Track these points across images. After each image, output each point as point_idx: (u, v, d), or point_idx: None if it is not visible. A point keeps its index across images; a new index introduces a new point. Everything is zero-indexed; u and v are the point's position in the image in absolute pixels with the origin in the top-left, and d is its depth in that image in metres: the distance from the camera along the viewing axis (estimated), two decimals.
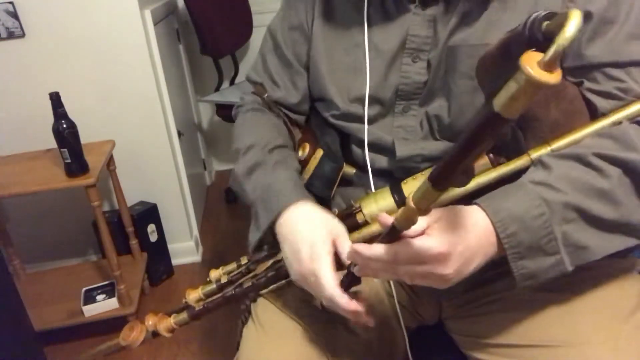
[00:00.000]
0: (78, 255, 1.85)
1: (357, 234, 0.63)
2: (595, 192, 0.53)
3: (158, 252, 1.80)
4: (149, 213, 1.75)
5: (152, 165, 1.75)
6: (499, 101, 0.35)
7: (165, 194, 1.80)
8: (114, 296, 1.51)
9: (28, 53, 1.52)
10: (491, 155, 0.61)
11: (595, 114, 0.59)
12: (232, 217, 2.25)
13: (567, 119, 0.59)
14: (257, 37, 2.38)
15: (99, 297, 1.51)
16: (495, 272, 0.67)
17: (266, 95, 0.81)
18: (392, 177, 0.70)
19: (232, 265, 0.75)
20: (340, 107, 0.73)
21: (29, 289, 1.61)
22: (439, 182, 0.43)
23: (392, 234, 0.51)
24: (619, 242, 0.54)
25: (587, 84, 0.60)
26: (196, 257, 1.94)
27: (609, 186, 0.53)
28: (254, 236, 0.68)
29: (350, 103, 0.73)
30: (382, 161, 0.72)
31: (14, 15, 1.46)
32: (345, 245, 0.59)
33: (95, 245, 1.82)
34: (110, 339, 0.81)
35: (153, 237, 1.77)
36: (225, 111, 2.10)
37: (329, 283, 0.57)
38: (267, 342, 0.68)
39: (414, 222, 0.48)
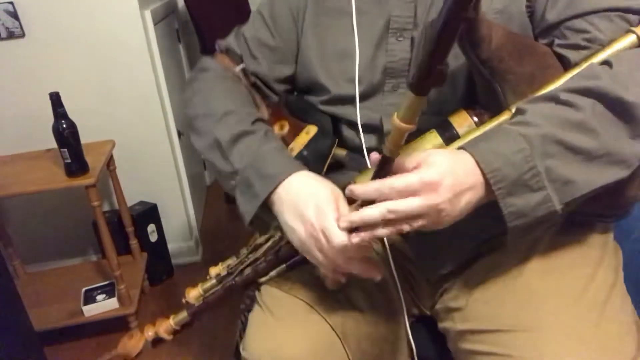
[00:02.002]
0: (78, 255, 1.85)
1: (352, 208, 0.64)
2: (570, 124, 0.54)
3: (158, 252, 1.80)
4: (149, 213, 1.75)
5: (152, 165, 1.75)
6: None
7: (165, 194, 1.80)
8: (114, 296, 1.51)
9: (28, 53, 1.52)
10: (475, 118, 0.63)
11: (568, 68, 0.61)
12: (232, 217, 2.25)
13: (541, 72, 0.61)
14: None
15: (99, 297, 1.51)
16: (488, 251, 0.69)
17: (240, 67, 0.80)
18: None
19: (232, 259, 0.74)
20: (331, 90, 0.76)
21: (29, 289, 1.61)
22: (420, 87, 0.45)
23: (384, 166, 0.53)
24: (605, 174, 0.55)
25: (556, 41, 0.63)
26: (196, 257, 1.93)
27: (582, 117, 0.54)
28: (251, 206, 0.66)
29: (340, 86, 0.76)
30: (372, 140, 0.75)
31: (14, 15, 1.46)
32: (345, 207, 0.60)
33: (95, 245, 1.82)
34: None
35: (153, 237, 1.77)
36: None
37: (339, 232, 0.57)
38: (276, 324, 0.67)
39: (401, 146, 0.50)
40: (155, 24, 1.64)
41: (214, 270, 0.76)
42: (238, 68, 0.79)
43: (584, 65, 0.59)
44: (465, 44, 0.60)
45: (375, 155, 0.57)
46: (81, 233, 1.79)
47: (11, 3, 1.45)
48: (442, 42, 0.43)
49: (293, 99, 0.85)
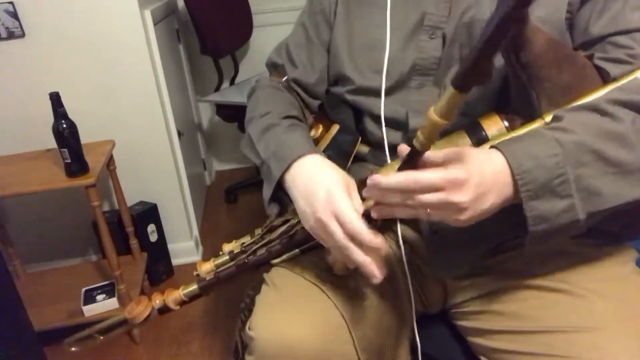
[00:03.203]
0: (78, 255, 1.85)
1: (365, 203, 0.63)
2: (608, 135, 0.54)
3: (158, 252, 1.80)
4: (149, 213, 1.75)
5: (152, 165, 1.75)
6: None
7: (165, 194, 1.80)
8: (114, 296, 1.51)
9: (28, 53, 1.52)
10: (506, 123, 0.63)
11: (606, 81, 0.61)
12: (232, 217, 2.25)
13: (578, 83, 0.61)
14: (257, 37, 2.38)
15: (99, 297, 1.51)
16: (504, 255, 0.69)
17: (285, 78, 0.85)
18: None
19: (246, 237, 0.74)
20: (355, 81, 0.77)
21: (29, 289, 1.61)
22: (463, 83, 0.45)
23: (412, 158, 0.52)
24: (635, 190, 0.54)
25: (597, 54, 0.63)
26: (196, 257, 1.93)
27: (622, 129, 0.54)
28: (267, 191, 0.69)
29: (366, 77, 0.76)
30: (396, 136, 0.74)
31: (14, 15, 1.46)
32: (356, 199, 0.60)
33: (95, 245, 1.82)
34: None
35: (153, 237, 1.77)
36: (225, 111, 2.10)
37: (352, 214, 0.57)
38: (285, 304, 0.67)
39: (433, 140, 0.50)
40: (155, 24, 1.64)
41: (227, 247, 0.75)
42: (283, 80, 0.85)
43: (625, 80, 0.59)
44: (509, 46, 0.60)
45: (404, 147, 0.56)
46: (81, 233, 1.79)
47: (11, 3, 1.45)
48: (493, 40, 0.43)
49: (327, 97, 0.86)
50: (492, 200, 0.52)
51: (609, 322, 0.59)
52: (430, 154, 0.54)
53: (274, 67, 0.89)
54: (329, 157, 0.75)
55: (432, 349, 0.75)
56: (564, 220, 0.53)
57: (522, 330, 0.63)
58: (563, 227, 0.53)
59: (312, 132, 0.81)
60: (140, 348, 1.54)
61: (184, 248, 1.91)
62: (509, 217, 0.54)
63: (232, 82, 2.38)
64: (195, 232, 1.96)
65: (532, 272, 0.67)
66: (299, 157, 0.65)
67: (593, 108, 0.56)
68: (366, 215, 0.58)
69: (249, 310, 0.75)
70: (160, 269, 1.82)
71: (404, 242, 0.73)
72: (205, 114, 2.58)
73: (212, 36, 2.03)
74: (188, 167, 1.90)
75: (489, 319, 0.68)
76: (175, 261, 1.88)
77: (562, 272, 0.65)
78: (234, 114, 2.09)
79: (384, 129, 0.74)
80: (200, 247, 1.99)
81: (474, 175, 0.51)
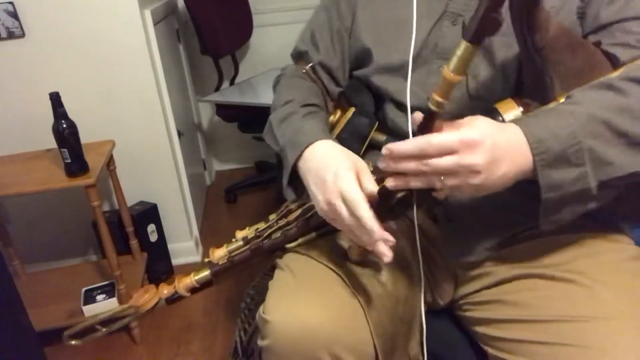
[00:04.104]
0: (78, 255, 1.85)
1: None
2: (618, 108, 0.55)
3: (158, 252, 1.80)
4: (149, 213, 1.75)
5: (152, 165, 1.75)
6: None
7: (165, 194, 1.80)
8: (114, 296, 1.51)
9: (28, 53, 1.52)
10: (521, 108, 0.64)
11: (616, 66, 0.62)
12: (232, 217, 2.25)
13: (591, 68, 0.62)
14: (257, 37, 2.38)
15: (99, 297, 1.51)
16: (518, 245, 0.70)
17: (309, 65, 0.86)
18: None
19: (260, 224, 0.74)
20: (378, 57, 0.78)
21: (29, 289, 1.61)
22: (475, 34, 0.46)
23: (428, 120, 0.53)
24: None
25: (605, 40, 0.64)
26: (196, 257, 1.93)
27: (630, 102, 0.55)
28: (285, 176, 0.70)
29: (391, 52, 0.77)
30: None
31: (14, 15, 1.46)
32: (367, 180, 0.61)
33: (95, 245, 1.82)
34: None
35: (153, 237, 1.77)
36: (225, 111, 2.10)
37: (359, 197, 0.57)
38: (301, 289, 0.67)
39: (448, 99, 0.51)
40: (155, 24, 1.64)
41: (240, 233, 0.75)
42: (307, 66, 0.86)
43: (635, 63, 0.60)
44: (524, 28, 0.61)
45: (418, 115, 0.57)
46: (81, 233, 1.79)
47: (11, 3, 1.45)
48: None
49: (350, 82, 0.88)
50: (507, 166, 0.53)
51: (619, 312, 0.59)
52: (445, 123, 0.55)
53: (299, 57, 0.90)
54: (344, 140, 0.77)
55: (438, 344, 0.75)
56: (576, 188, 0.55)
57: (531, 320, 0.63)
58: (575, 195, 0.55)
59: (331, 117, 0.82)
60: (140, 348, 1.54)
61: (184, 248, 1.91)
62: (523, 206, 0.56)
63: (232, 82, 2.38)
64: (195, 232, 1.96)
65: (542, 262, 0.67)
66: (311, 143, 0.67)
67: (603, 85, 0.58)
68: (381, 194, 0.58)
69: (249, 310, 0.75)
70: (160, 269, 1.82)
71: (419, 228, 0.73)
72: (205, 114, 2.58)
73: (212, 36, 2.03)
74: (188, 167, 1.90)
75: (498, 308, 0.68)
76: (175, 261, 1.88)
77: (573, 263, 0.66)
78: (233, 114, 2.09)
79: (408, 102, 0.73)
80: (200, 247, 1.99)
81: (488, 137, 0.52)
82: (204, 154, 2.50)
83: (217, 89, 2.22)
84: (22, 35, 1.50)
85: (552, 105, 0.61)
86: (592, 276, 0.63)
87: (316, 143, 0.67)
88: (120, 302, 1.51)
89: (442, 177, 0.53)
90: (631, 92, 0.56)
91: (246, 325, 0.81)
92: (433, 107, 0.53)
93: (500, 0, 0.45)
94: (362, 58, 0.83)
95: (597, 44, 0.64)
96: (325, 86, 0.87)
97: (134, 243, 1.70)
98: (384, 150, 0.55)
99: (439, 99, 0.52)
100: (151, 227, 1.76)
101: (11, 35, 1.49)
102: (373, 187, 0.60)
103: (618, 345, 0.56)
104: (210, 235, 2.10)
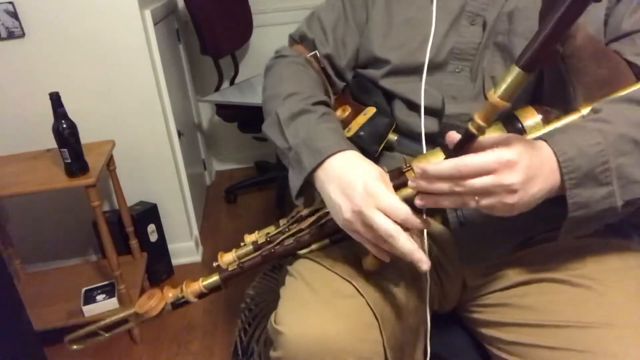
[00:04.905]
0: (78, 255, 1.85)
1: (398, 194, 0.62)
2: None
3: (158, 252, 1.80)
4: (149, 213, 1.75)
5: (152, 165, 1.75)
6: None
7: (165, 194, 1.80)
8: (114, 296, 1.51)
9: (28, 53, 1.52)
10: (541, 115, 0.64)
11: (639, 77, 0.62)
12: (232, 217, 2.25)
13: (614, 78, 0.62)
14: (257, 37, 2.38)
15: (99, 297, 1.51)
16: (531, 249, 0.69)
17: (313, 53, 0.83)
18: (436, 143, 0.70)
19: (270, 228, 0.72)
20: (392, 61, 0.76)
21: (29, 289, 1.61)
22: (530, 63, 0.45)
23: (466, 141, 0.53)
24: None
25: (628, 49, 0.64)
26: (196, 257, 1.93)
27: None
28: (298, 179, 0.67)
29: (405, 55, 0.76)
30: (428, 123, 0.74)
31: (14, 15, 1.46)
32: (391, 190, 0.60)
33: (95, 245, 1.82)
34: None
35: (153, 237, 1.77)
36: (225, 111, 2.10)
37: (397, 202, 0.57)
38: (316, 299, 0.65)
39: (490, 124, 0.50)
40: (155, 24, 1.64)
41: (249, 237, 0.73)
42: (311, 54, 0.82)
43: None
44: None
45: (453, 134, 0.56)
46: (81, 233, 1.79)
47: (11, 3, 1.45)
48: (564, 19, 0.43)
49: (355, 80, 0.86)
50: (540, 184, 0.53)
51: (629, 319, 0.59)
52: (480, 139, 0.54)
53: (301, 39, 0.87)
54: (362, 138, 0.76)
55: (443, 347, 0.75)
56: (602, 207, 0.55)
57: (541, 324, 0.63)
58: (601, 213, 0.55)
59: (339, 113, 0.80)
60: (140, 348, 1.54)
61: (184, 248, 1.91)
62: (537, 211, 0.55)
63: (232, 82, 2.38)
64: (195, 232, 1.96)
65: (552, 267, 0.67)
66: (334, 152, 0.64)
67: (630, 99, 0.58)
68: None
69: (249, 310, 0.75)
70: (160, 269, 1.82)
71: (429, 236, 0.72)
72: (205, 114, 2.58)
73: (212, 36, 2.03)
74: (188, 167, 1.90)
75: (507, 311, 0.68)
76: (175, 261, 1.88)
77: (583, 268, 0.65)
78: (233, 114, 2.09)
79: (422, 107, 0.72)
80: (200, 247, 1.99)
81: (524, 156, 0.52)
82: (204, 154, 2.50)
83: (217, 89, 2.22)
84: (22, 35, 1.50)
85: (576, 116, 0.61)
86: (602, 282, 0.63)
87: (339, 154, 0.65)
88: (120, 302, 1.51)
89: (476, 197, 0.53)
90: None
91: (246, 326, 0.81)
92: (473, 130, 0.52)
93: (562, 32, 0.44)
94: (372, 62, 0.81)
95: (618, 53, 0.64)
96: (329, 77, 0.85)
97: (134, 243, 1.70)
98: (416, 169, 0.54)
99: (481, 123, 0.51)
100: (151, 227, 1.76)
101: (11, 35, 1.49)
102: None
103: (628, 354, 0.56)
104: (210, 235, 2.10)
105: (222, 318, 1.61)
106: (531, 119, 0.64)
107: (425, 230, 0.69)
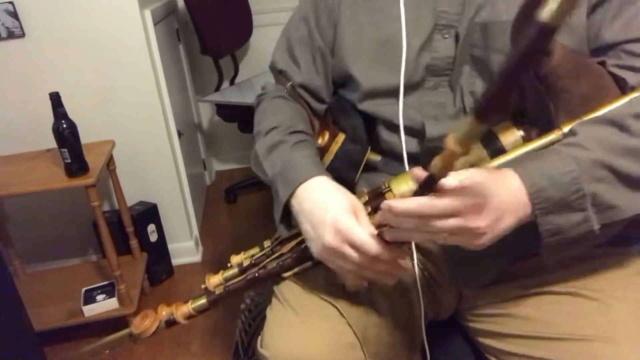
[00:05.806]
0: (78, 255, 1.85)
1: (377, 216, 0.61)
2: (624, 150, 0.54)
3: (158, 252, 1.80)
4: (149, 213, 1.75)
5: (152, 165, 1.75)
6: (546, 11, 0.35)
7: (165, 194, 1.80)
8: (114, 296, 1.51)
9: (28, 53, 1.52)
10: (522, 132, 0.62)
11: (624, 90, 0.60)
12: (232, 217, 2.25)
13: (596, 93, 0.60)
14: (257, 37, 2.38)
15: (99, 297, 1.51)
16: (525, 262, 0.68)
17: (290, 83, 0.81)
18: (419, 164, 0.69)
19: (255, 250, 0.73)
20: (363, 84, 0.74)
21: (29, 289, 1.61)
22: (484, 115, 0.43)
23: (428, 185, 0.51)
24: None
25: (610, 61, 0.62)
26: (196, 257, 1.94)
27: (635, 143, 0.54)
28: (277, 211, 0.68)
29: (377, 76, 0.73)
30: (410, 144, 0.72)
31: (14, 15, 1.46)
32: (364, 223, 0.59)
33: (95, 245, 1.82)
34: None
35: (153, 237, 1.77)
36: (225, 111, 2.10)
37: (365, 239, 0.56)
38: (300, 324, 0.66)
39: (451, 168, 0.48)
40: (155, 24, 1.64)
41: (235, 259, 0.74)
42: (288, 85, 0.81)
43: None
44: None
45: (419, 172, 0.54)
46: (81, 233, 1.79)
47: (11, 3, 1.45)
48: (513, 74, 0.41)
49: (336, 101, 0.83)
50: (508, 221, 0.53)
51: (629, 332, 0.58)
52: (445, 180, 0.52)
53: (278, 72, 0.85)
54: (337, 170, 0.74)
55: (442, 355, 0.75)
56: (578, 232, 0.53)
57: (540, 336, 0.63)
58: (577, 238, 0.54)
59: (319, 140, 0.79)
60: (140, 348, 1.54)
61: (184, 248, 1.91)
62: (529, 229, 0.54)
63: (232, 82, 2.38)
64: (195, 232, 1.96)
65: (550, 278, 0.66)
66: (304, 180, 0.64)
67: (610, 122, 0.56)
68: (379, 237, 0.57)
69: (249, 310, 0.75)
70: (160, 268, 1.82)
71: (419, 249, 0.72)
72: (205, 114, 2.58)
73: (212, 36, 2.03)
74: (188, 167, 1.90)
75: (504, 322, 0.67)
76: (175, 261, 1.88)
77: (582, 279, 0.65)
78: (233, 114, 2.09)
79: (402, 130, 0.70)
80: (200, 247, 1.99)
81: (492, 197, 0.51)
82: (204, 154, 2.50)
83: (217, 89, 2.22)
84: (22, 35, 1.50)
85: (554, 136, 0.59)
86: (601, 292, 0.63)
87: (309, 181, 0.64)
88: (120, 302, 1.51)
89: (444, 235, 0.52)
90: (637, 132, 0.54)
91: (247, 326, 0.81)
92: (435, 173, 0.50)
93: (513, 86, 0.41)
94: (347, 81, 0.78)
95: (602, 63, 0.62)
96: (309, 105, 0.82)
97: (134, 243, 1.70)
98: (383, 206, 0.54)
99: (441, 168, 0.49)
100: (151, 227, 1.76)
101: (11, 35, 1.49)
102: (368, 228, 0.59)
103: None
104: (210, 235, 2.10)
105: (222, 318, 1.61)
106: (511, 137, 0.62)
107: (414, 249, 0.70)
